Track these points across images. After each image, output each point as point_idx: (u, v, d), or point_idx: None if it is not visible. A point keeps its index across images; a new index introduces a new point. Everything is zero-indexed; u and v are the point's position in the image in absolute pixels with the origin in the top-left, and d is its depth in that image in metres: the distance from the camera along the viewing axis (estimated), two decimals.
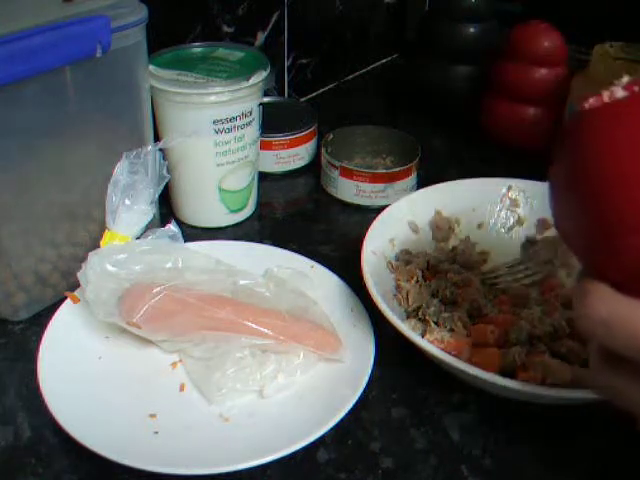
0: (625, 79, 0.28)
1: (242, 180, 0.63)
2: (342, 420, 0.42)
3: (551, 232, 0.57)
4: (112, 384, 0.46)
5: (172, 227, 0.54)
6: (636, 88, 0.27)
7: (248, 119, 0.60)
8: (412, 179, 0.68)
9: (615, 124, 0.27)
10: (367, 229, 0.54)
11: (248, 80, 0.57)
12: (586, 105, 0.28)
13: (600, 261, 0.28)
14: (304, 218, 0.68)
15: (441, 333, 0.47)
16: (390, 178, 0.66)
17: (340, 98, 0.94)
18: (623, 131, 0.26)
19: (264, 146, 0.70)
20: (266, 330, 0.47)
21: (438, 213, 0.59)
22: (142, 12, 0.50)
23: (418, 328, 0.48)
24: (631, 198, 0.26)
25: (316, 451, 0.43)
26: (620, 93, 0.27)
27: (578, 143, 0.28)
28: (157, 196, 0.54)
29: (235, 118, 0.59)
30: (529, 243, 0.58)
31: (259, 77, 0.59)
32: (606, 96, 0.27)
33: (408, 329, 0.44)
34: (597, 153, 0.27)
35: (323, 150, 0.69)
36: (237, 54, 0.62)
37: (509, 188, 0.60)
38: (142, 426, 0.43)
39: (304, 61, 0.89)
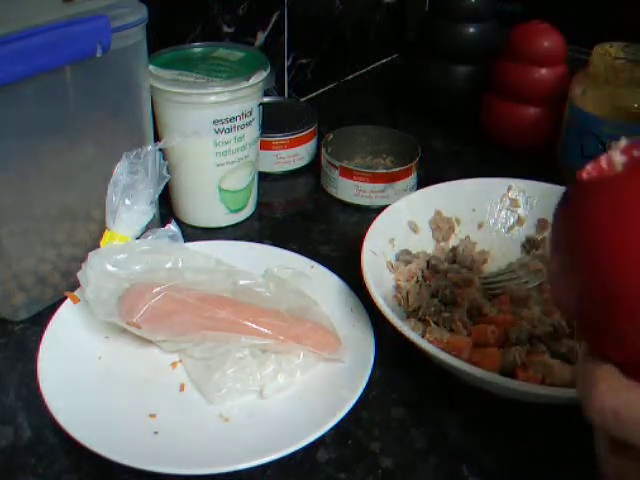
0: (623, 142, 0.26)
1: (242, 180, 0.63)
2: (342, 420, 0.42)
3: None
4: (112, 384, 0.46)
5: (172, 227, 0.54)
6: (635, 152, 0.25)
7: (248, 119, 0.60)
8: (412, 179, 0.68)
9: (617, 198, 0.25)
10: (367, 229, 0.54)
11: (248, 80, 0.57)
12: (584, 175, 0.25)
13: (605, 341, 0.27)
14: (304, 218, 0.68)
15: (441, 333, 0.47)
16: (390, 178, 0.66)
17: (340, 98, 0.94)
18: (625, 205, 0.24)
19: (264, 146, 0.70)
20: (266, 330, 0.47)
21: (438, 213, 0.59)
22: (142, 12, 0.50)
23: (418, 328, 0.48)
24: (638, 273, 0.24)
25: (316, 451, 0.43)
26: (618, 158, 0.25)
27: (577, 220, 0.26)
28: (157, 196, 0.54)
29: (235, 118, 0.59)
30: (529, 243, 0.59)
31: (259, 77, 0.59)
32: (604, 162, 0.25)
33: (408, 329, 0.44)
34: (598, 231, 0.25)
35: (323, 150, 0.69)
36: (237, 54, 0.62)
37: (509, 188, 0.60)
38: (142, 426, 0.43)
39: (304, 61, 0.89)
